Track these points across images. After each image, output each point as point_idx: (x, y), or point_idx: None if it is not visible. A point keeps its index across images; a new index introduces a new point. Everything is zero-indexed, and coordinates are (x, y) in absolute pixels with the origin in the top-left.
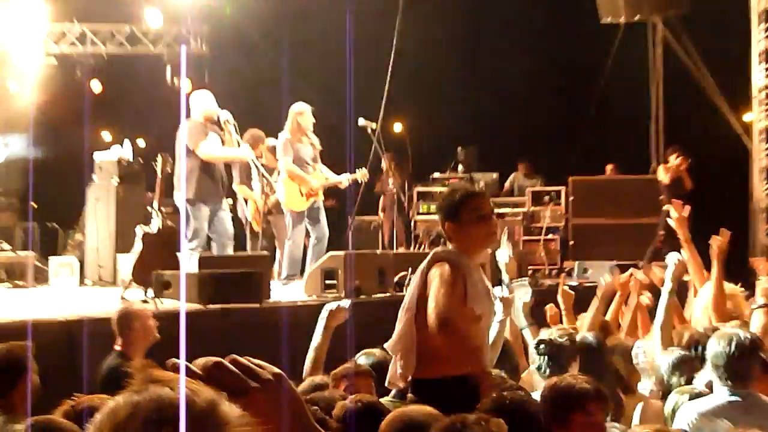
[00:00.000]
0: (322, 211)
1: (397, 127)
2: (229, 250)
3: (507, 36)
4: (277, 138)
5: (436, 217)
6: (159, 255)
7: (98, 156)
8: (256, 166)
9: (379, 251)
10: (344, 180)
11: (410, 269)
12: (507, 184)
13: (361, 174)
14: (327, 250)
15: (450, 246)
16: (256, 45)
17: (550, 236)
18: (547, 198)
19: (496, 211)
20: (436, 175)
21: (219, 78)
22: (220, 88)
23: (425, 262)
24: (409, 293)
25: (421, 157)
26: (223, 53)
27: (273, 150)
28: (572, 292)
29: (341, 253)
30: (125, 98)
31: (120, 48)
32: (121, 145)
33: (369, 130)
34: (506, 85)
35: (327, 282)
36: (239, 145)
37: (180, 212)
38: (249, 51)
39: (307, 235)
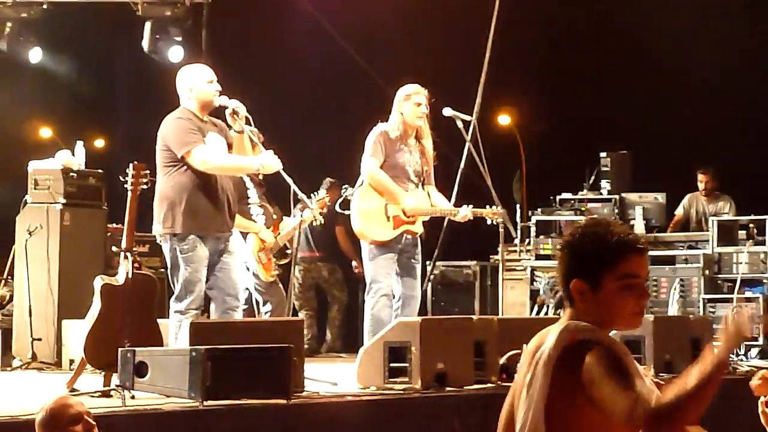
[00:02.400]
0: (418, 251)
1: (504, 120)
2: (238, 315)
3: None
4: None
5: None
6: (128, 321)
7: (34, 165)
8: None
9: (475, 316)
10: (462, 212)
11: (524, 346)
12: (679, 211)
13: (493, 212)
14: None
15: (571, 311)
16: None
17: (747, 294)
18: (745, 233)
19: (664, 253)
20: (565, 195)
21: (227, 46)
22: (227, 61)
23: (550, 343)
24: (526, 403)
25: (541, 165)
26: (235, 4)
27: None
28: None
29: (416, 319)
30: (77, 73)
31: None
32: (70, 149)
33: (459, 123)
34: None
35: (393, 365)
36: (255, 150)
37: (163, 253)
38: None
39: (360, 286)
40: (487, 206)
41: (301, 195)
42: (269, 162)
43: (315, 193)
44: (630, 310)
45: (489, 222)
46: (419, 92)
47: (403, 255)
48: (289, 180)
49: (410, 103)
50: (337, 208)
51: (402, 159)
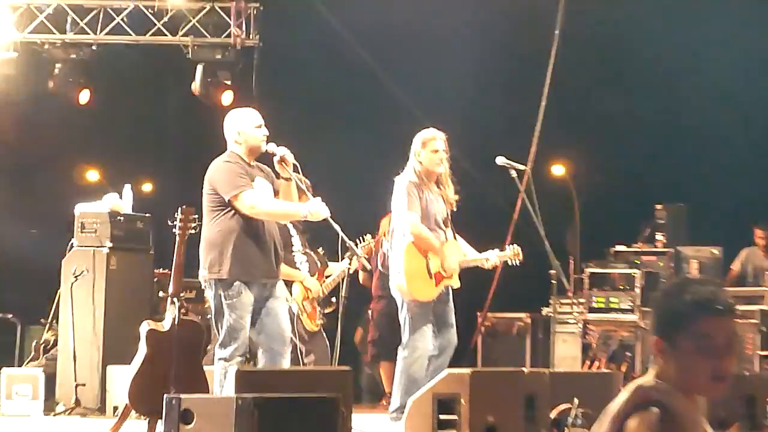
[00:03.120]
0: (450, 297)
1: (558, 170)
2: (285, 362)
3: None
4: None
5: (618, 316)
6: (174, 367)
7: (81, 208)
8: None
9: (526, 369)
10: (492, 258)
11: (576, 400)
12: (736, 266)
13: (513, 252)
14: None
15: (655, 370)
16: (338, 36)
17: None
18: None
19: None
20: (619, 247)
21: (276, 88)
22: (278, 105)
23: (621, 399)
24: None
25: (595, 216)
26: (285, 48)
27: None
28: None
29: (466, 371)
30: (125, 115)
31: (117, 34)
32: (118, 192)
33: (513, 173)
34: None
35: (442, 417)
36: (302, 198)
37: (209, 299)
38: (328, 44)
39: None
40: (507, 247)
41: (349, 243)
42: (317, 209)
43: (362, 238)
44: (707, 374)
45: (510, 263)
46: (435, 137)
47: (438, 307)
48: (337, 227)
49: (427, 150)
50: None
51: (432, 209)
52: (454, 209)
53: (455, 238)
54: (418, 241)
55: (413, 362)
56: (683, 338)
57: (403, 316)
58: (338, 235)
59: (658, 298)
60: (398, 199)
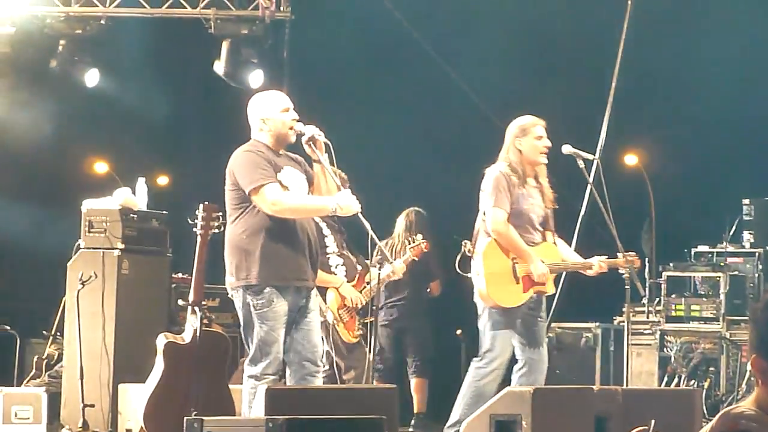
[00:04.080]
0: (543, 308)
1: (631, 160)
2: (318, 382)
3: None
4: None
5: (700, 326)
6: (195, 386)
7: (88, 205)
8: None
9: (596, 387)
10: (595, 265)
11: (653, 422)
12: None
13: (627, 259)
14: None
15: (755, 394)
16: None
17: None
18: None
19: None
20: (701, 248)
21: (310, 68)
22: (310, 85)
23: (708, 427)
24: None
25: (674, 213)
26: (321, 21)
27: None
28: None
29: (527, 389)
30: (139, 99)
31: (129, 6)
32: (130, 187)
33: (580, 163)
34: None
35: None
36: (339, 188)
37: (236, 308)
38: (368, 17)
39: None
40: (620, 254)
41: (379, 243)
42: (347, 202)
43: (412, 237)
44: None
45: (622, 273)
46: (537, 123)
47: (527, 315)
48: (367, 225)
49: (530, 137)
50: (457, 268)
51: (526, 206)
52: (556, 206)
53: (554, 242)
54: (501, 240)
55: (486, 375)
56: None
57: (483, 324)
58: (368, 234)
59: (762, 308)
60: (485, 194)
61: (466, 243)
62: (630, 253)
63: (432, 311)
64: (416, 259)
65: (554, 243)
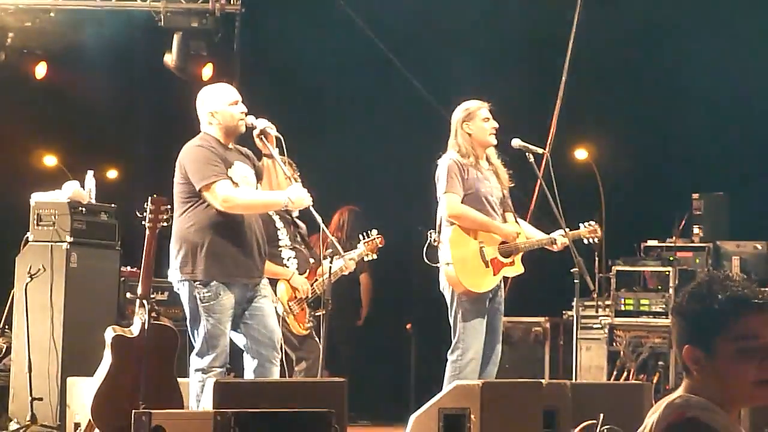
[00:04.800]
0: (502, 295)
1: (581, 154)
2: (276, 368)
3: None
4: None
5: (649, 321)
6: (144, 379)
7: (36, 198)
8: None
9: (545, 381)
10: (558, 239)
11: (601, 416)
12: None
13: (589, 229)
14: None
15: (687, 383)
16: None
17: None
18: None
19: None
20: (651, 242)
21: (261, 62)
22: (261, 80)
23: (653, 420)
24: None
25: (624, 207)
26: (272, 15)
27: None
28: None
29: (475, 382)
30: (88, 92)
31: None
32: (79, 180)
33: (530, 157)
34: None
35: None
36: (291, 181)
37: (182, 302)
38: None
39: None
40: (582, 224)
41: (331, 238)
42: (298, 196)
43: (367, 233)
44: (751, 379)
45: (586, 242)
46: (482, 106)
47: (491, 303)
48: (319, 218)
49: (477, 120)
50: (425, 259)
51: (483, 189)
52: (512, 184)
53: (516, 221)
54: (461, 222)
55: (464, 368)
56: (721, 342)
57: (453, 313)
58: (320, 227)
59: (686, 300)
60: (439, 182)
61: (431, 233)
62: (590, 222)
63: (382, 304)
64: (370, 254)
65: (515, 222)
